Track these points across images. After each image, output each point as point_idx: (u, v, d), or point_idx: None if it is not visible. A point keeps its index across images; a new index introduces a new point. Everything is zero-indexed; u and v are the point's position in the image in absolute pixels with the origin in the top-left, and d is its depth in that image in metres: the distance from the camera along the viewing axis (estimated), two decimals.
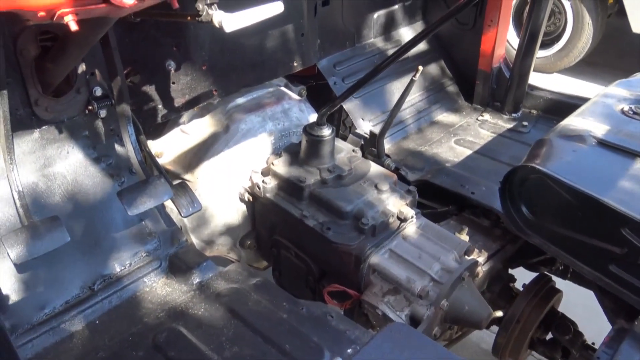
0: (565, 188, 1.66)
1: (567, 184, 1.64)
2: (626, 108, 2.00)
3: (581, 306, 2.51)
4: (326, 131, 1.97)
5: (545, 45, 5.89)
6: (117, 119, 1.77)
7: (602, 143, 1.81)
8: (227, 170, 2.08)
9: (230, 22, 1.32)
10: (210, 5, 1.36)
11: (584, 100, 2.23)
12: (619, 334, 1.55)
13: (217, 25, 1.34)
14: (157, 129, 2.16)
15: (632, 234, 1.54)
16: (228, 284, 1.76)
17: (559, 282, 2.17)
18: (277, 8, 1.42)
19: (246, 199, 2.09)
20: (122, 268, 1.75)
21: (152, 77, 1.90)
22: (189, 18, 1.42)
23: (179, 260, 1.82)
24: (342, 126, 3.02)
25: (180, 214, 1.77)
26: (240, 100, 2.19)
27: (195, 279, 1.77)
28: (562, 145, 1.82)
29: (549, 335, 2.09)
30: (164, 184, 1.69)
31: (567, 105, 2.62)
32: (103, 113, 1.76)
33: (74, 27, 1.09)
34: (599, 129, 1.88)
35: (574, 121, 1.97)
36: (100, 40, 1.58)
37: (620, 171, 1.69)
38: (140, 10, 1.53)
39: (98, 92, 1.73)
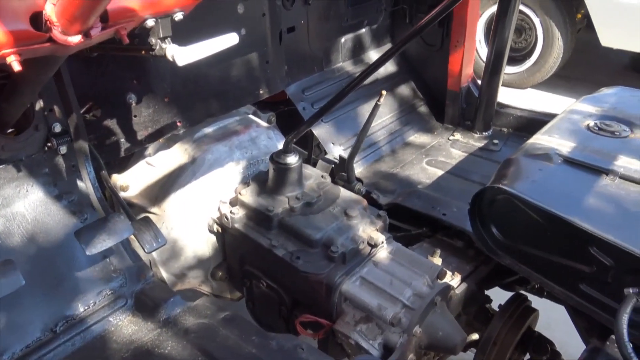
0: (532, 208, 1.65)
1: (534, 204, 1.64)
2: (592, 124, 2.01)
3: (562, 322, 2.50)
4: (293, 159, 1.95)
5: (518, 61, 6.00)
6: None
7: (568, 161, 1.81)
8: (195, 202, 2.05)
9: (183, 55, 1.30)
10: (163, 39, 1.34)
11: (553, 116, 2.24)
12: (592, 354, 1.53)
13: (170, 59, 1.33)
14: (123, 162, 2.13)
15: (600, 252, 1.54)
16: (196, 320, 1.72)
17: (540, 299, 2.15)
18: (231, 40, 1.40)
19: (215, 230, 2.06)
20: (86, 308, 1.70)
21: (113, 111, 1.87)
22: (143, 52, 1.40)
23: (145, 297, 1.77)
24: (317, 150, 3.01)
25: (144, 250, 1.73)
26: (207, 130, 2.17)
27: (162, 316, 1.72)
28: (528, 165, 1.82)
29: (527, 356, 2.06)
30: (123, 220, 1.65)
31: (536, 122, 2.64)
32: (63, 149, 1.73)
33: (17, 67, 1.07)
34: (565, 147, 1.88)
35: (540, 139, 1.97)
36: (54, 77, 1.55)
37: (586, 189, 1.68)
38: (94, 46, 1.52)
39: (57, 128, 1.70)
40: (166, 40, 1.34)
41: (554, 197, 1.66)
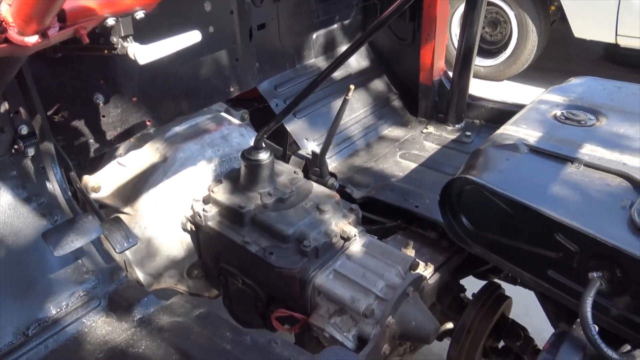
0: (500, 197, 1.68)
1: (501, 193, 1.66)
2: (558, 114, 2.05)
3: (539, 308, 2.54)
4: (264, 155, 1.96)
5: (494, 54, 6.06)
6: None
7: (535, 150, 1.84)
8: (168, 201, 2.05)
9: (144, 53, 1.30)
10: (125, 38, 1.34)
11: (523, 107, 2.27)
12: (559, 337, 1.56)
13: (132, 58, 1.33)
14: (95, 163, 2.12)
15: (566, 238, 1.56)
16: (170, 318, 1.72)
17: (516, 287, 2.18)
18: (193, 37, 1.41)
19: (189, 229, 2.06)
20: (59, 310, 1.69)
21: (80, 112, 1.86)
22: (105, 51, 1.40)
23: (119, 297, 1.77)
24: (295, 146, 3.01)
25: (115, 250, 1.73)
26: (178, 129, 2.16)
27: (136, 315, 1.72)
28: (496, 155, 1.85)
29: (501, 343, 2.09)
30: (92, 221, 1.65)
31: (507, 113, 2.67)
32: (31, 151, 1.71)
33: None
34: (532, 136, 1.92)
35: (508, 130, 2.00)
36: (17, 79, 1.54)
37: (551, 177, 1.71)
38: (57, 46, 1.51)
39: (24, 130, 1.68)
40: (128, 39, 1.34)
41: (520, 186, 1.68)
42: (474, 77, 2.86)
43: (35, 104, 1.61)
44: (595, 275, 1.49)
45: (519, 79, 6.13)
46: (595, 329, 1.41)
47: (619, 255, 1.44)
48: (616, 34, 5.34)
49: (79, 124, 1.87)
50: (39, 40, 1.11)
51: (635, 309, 1.48)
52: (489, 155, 1.86)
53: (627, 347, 1.52)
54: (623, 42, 5.39)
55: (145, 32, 1.55)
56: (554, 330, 1.80)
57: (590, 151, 1.79)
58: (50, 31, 1.13)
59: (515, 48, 5.89)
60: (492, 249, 1.81)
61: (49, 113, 1.79)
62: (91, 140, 1.92)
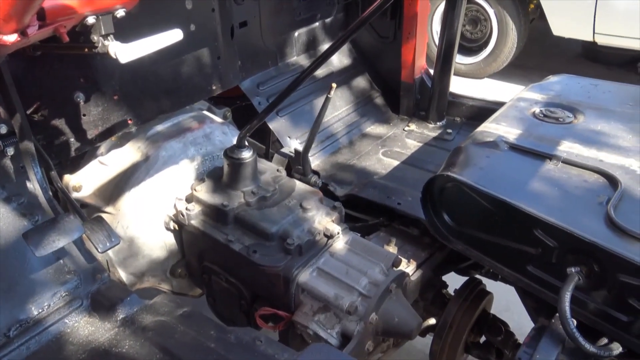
0: (480, 194, 1.70)
1: (481, 190, 1.69)
2: (537, 111, 2.08)
3: (520, 304, 2.58)
4: (246, 153, 1.96)
5: (474, 52, 6.12)
6: None
7: (514, 147, 1.87)
8: (150, 200, 2.04)
9: (126, 52, 1.30)
10: (105, 37, 1.33)
11: (503, 104, 2.30)
12: (539, 332, 1.59)
13: (113, 56, 1.32)
14: (75, 162, 2.10)
15: (544, 234, 1.59)
16: (154, 317, 1.71)
17: (497, 283, 2.21)
18: (175, 36, 1.40)
19: (172, 227, 2.05)
20: (40, 310, 1.67)
21: (61, 111, 1.84)
22: (85, 50, 1.39)
23: (101, 297, 1.76)
24: (279, 145, 3.01)
25: (97, 250, 1.72)
26: (160, 127, 2.15)
27: (119, 315, 1.71)
28: (476, 152, 1.87)
29: (483, 338, 2.13)
30: (73, 220, 1.63)
31: (488, 110, 2.70)
32: (11, 151, 1.69)
33: None
34: (512, 134, 1.95)
35: (488, 127, 2.03)
36: None
37: (530, 174, 1.74)
38: (37, 45, 1.49)
39: (3, 129, 1.66)
40: (108, 38, 1.33)
41: (500, 183, 1.71)
42: (455, 74, 2.89)
43: (14, 102, 1.59)
44: (573, 270, 1.52)
45: (499, 76, 6.20)
46: (573, 323, 1.44)
47: (596, 251, 1.47)
48: (594, 32, 5.43)
49: (60, 122, 1.86)
50: (18, 38, 1.10)
51: (612, 302, 1.52)
52: (469, 152, 1.88)
53: (604, 341, 1.56)
54: (600, 40, 5.48)
55: (126, 30, 1.54)
56: (534, 325, 1.83)
57: (568, 148, 1.83)
58: (29, 30, 1.12)
59: (496, 46, 5.96)
60: (473, 245, 1.84)
61: (28, 112, 1.78)
62: (72, 139, 1.90)
